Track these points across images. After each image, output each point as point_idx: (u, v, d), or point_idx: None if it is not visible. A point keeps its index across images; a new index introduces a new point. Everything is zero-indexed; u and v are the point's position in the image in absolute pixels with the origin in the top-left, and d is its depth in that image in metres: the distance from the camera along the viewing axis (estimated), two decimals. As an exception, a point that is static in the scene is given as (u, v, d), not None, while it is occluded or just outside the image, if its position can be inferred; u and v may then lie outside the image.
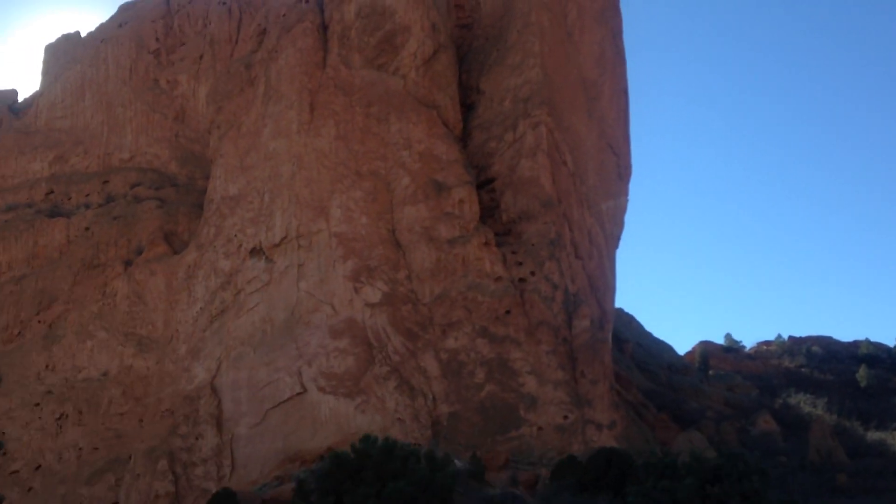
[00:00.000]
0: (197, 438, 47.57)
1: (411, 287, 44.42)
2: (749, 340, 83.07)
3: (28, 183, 72.38)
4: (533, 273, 43.11)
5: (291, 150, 50.07)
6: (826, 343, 79.19)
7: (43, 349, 58.66)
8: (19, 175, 73.95)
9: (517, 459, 37.56)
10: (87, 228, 63.86)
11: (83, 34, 78.53)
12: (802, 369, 70.47)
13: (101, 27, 77.26)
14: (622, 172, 51.30)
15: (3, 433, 56.34)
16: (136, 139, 69.94)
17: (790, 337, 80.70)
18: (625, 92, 52.88)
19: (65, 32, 79.98)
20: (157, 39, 72.68)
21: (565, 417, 39.08)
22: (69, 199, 69.53)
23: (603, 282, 46.53)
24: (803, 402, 56.14)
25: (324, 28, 53.64)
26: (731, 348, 75.97)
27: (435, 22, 50.12)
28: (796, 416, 51.48)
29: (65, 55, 76.96)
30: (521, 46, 49.22)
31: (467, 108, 51.26)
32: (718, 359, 69.55)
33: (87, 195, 68.90)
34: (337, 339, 44.83)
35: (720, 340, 78.60)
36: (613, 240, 49.37)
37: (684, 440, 36.17)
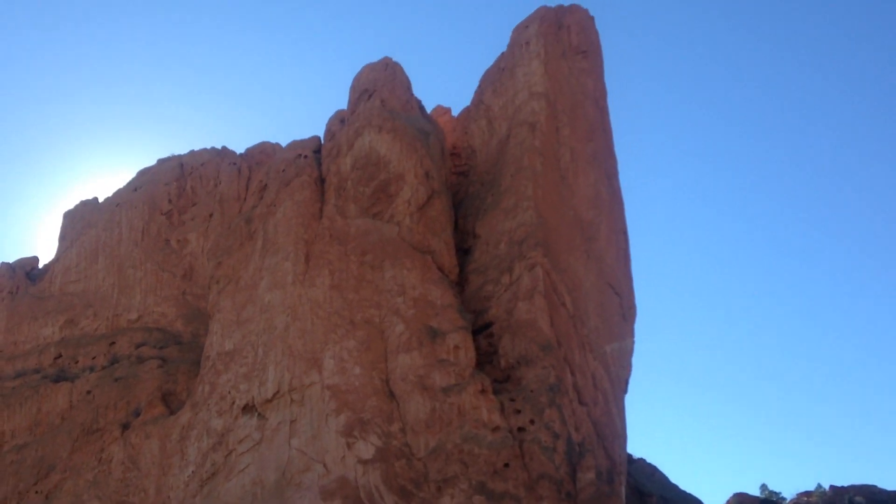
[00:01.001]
0: None
1: (405, 440, 42.21)
2: (788, 490, 77.50)
3: (38, 348, 72.53)
4: (532, 421, 40.78)
5: (286, 302, 49.52)
6: (870, 492, 73.29)
7: (36, 521, 56.41)
8: (31, 341, 74.30)
9: None
10: (88, 392, 63.02)
11: (101, 200, 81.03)
12: (846, 523, 64.87)
13: (118, 192, 79.80)
14: (626, 313, 49.66)
15: None
16: (144, 299, 70.37)
17: (831, 486, 75.05)
18: (623, 232, 52.14)
19: (83, 199, 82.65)
20: (169, 201, 74.64)
21: (572, 582, 35.60)
22: (76, 362, 69.23)
23: (611, 429, 43.83)
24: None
25: (321, 181, 54.49)
26: (769, 500, 70.61)
27: (428, 170, 50.56)
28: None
29: (81, 220, 79.21)
30: (514, 190, 49.23)
31: (464, 252, 50.74)
32: (755, 512, 64.42)
33: (94, 357, 68.59)
34: (328, 500, 42.30)
35: (756, 491, 73.31)
36: (621, 383, 47.06)
37: None
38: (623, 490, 42.98)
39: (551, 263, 46.30)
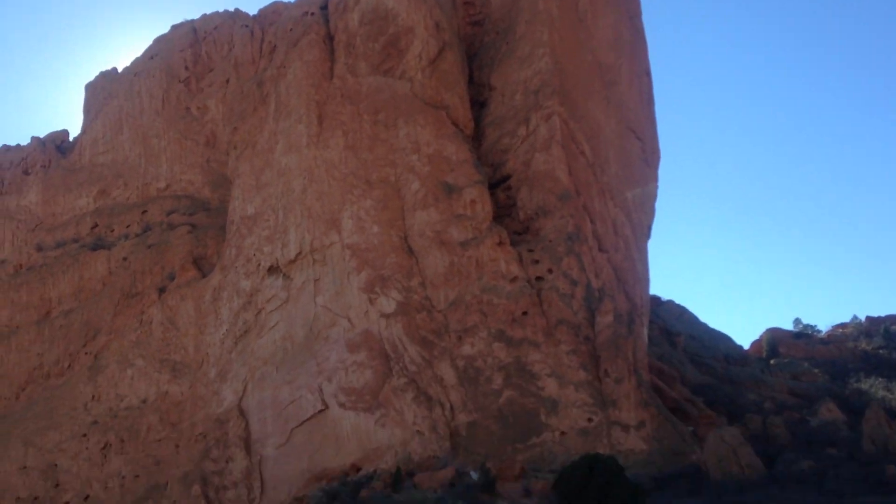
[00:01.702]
0: (227, 462, 46.89)
1: (425, 294, 42.68)
2: (823, 323, 77.95)
3: (75, 219, 74.01)
4: (550, 270, 40.77)
5: (302, 165, 49.15)
6: (907, 321, 73.34)
7: (89, 380, 59.24)
8: (67, 212, 75.75)
9: (538, 468, 35.27)
10: (125, 259, 64.53)
11: (120, 70, 79.95)
12: (881, 351, 65.32)
13: (136, 61, 78.54)
14: (649, 158, 48.33)
15: (56, 465, 57.12)
16: (170, 168, 70.62)
17: (868, 318, 75.08)
18: (647, 74, 49.94)
19: (102, 70, 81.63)
20: (186, 68, 73.30)
21: (589, 420, 36.61)
22: (112, 231, 70.64)
23: (632, 274, 43.74)
24: (875, 387, 51.68)
25: (330, 39, 52.68)
26: (803, 334, 70.99)
27: (438, 21, 48.44)
28: (868, 402, 47.15)
29: (103, 91, 78.51)
30: (529, 37, 47.09)
31: (481, 105, 49.35)
32: (788, 346, 65.06)
33: (128, 226, 69.86)
34: (354, 352, 43.46)
35: (790, 326, 73.91)
36: (643, 229, 46.47)
37: (715, 438, 33.19)
38: (645, 331, 43.45)
39: (569, 112, 44.89)
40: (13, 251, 77.68)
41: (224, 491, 46.30)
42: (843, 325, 77.31)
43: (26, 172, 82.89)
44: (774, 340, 64.96)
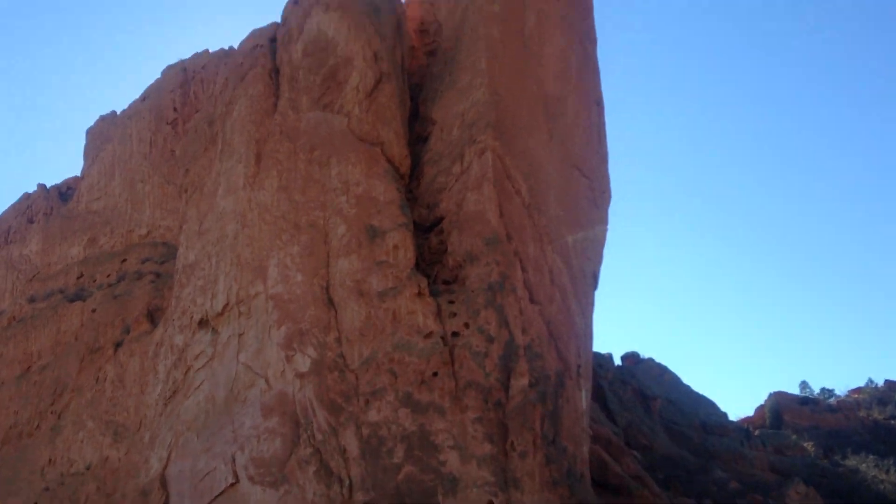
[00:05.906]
0: (146, 535, 45.58)
1: (340, 351, 40.64)
2: (839, 387, 71.07)
3: (65, 269, 75.86)
4: (467, 325, 38.07)
5: (237, 208, 48.32)
6: (930, 387, 66.01)
7: (49, 442, 59.55)
8: (61, 261, 77.82)
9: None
10: (93, 311, 65.10)
11: (119, 113, 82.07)
12: (892, 421, 58.71)
13: (132, 104, 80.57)
14: (597, 198, 45.00)
15: (8, 537, 57.17)
16: (152, 214, 71.55)
17: (886, 381, 67.88)
18: (598, 104, 46.82)
19: (102, 114, 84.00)
20: (174, 109, 74.61)
21: (490, 502, 33.43)
22: (94, 281, 71.78)
23: (568, 329, 40.41)
24: (865, 466, 45.83)
25: (276, 73, 51.96)
26: (809, 399, 64.72)
27: (377, 50, 47.07)
28: (857, 482, 41.93)
29: (100, 136, 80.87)
30: (469, 65, 45.15)
31: (424, 141, 47.40)
32: (793, 413, 59.29)
33: (108, 275, 70.82)
34: (268, 417, 41.67)
35: (795, 389, 67.79)
36: (586, 278, 43.02)
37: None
38: (582, 395, 40.04)
39: (505, 147, 42.38)
40: (12, 302, 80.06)
41: (140, 566, 44.94)
42: (858, 391, 70.69)
43: (30, 221, 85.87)
44: (778, 406, 59.33)
